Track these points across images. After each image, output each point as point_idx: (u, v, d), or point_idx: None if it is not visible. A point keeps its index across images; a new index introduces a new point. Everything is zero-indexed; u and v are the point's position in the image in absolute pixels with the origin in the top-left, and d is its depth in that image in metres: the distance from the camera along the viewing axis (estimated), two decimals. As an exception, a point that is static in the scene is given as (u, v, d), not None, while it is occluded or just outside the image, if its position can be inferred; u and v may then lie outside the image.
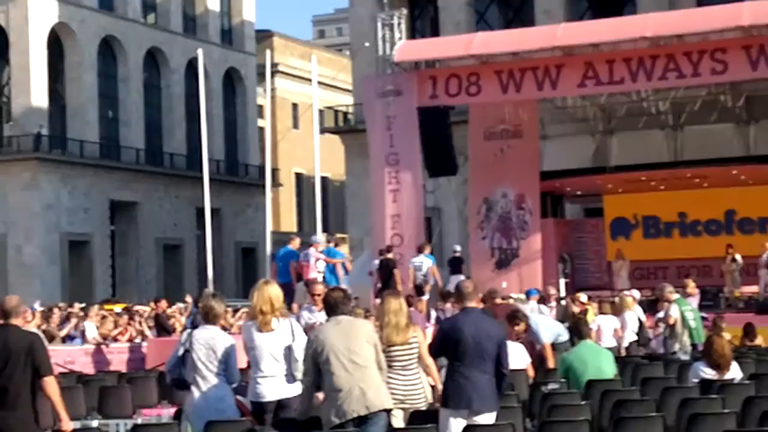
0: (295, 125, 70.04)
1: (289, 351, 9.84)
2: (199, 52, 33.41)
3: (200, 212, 43.72)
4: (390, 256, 25.86)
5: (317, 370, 9.09)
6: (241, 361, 10.00)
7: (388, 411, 9.19)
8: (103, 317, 24.74)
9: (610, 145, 33.52)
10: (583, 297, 22.05)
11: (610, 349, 15.39)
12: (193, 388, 9.68)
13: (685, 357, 16.68)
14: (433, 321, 22.08)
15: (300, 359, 9.64)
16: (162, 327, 22.93)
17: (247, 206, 63.67)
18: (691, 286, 21.90)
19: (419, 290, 25.18)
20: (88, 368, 21.14)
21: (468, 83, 28.30)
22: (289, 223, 68.40)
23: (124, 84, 57.94)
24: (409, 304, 14.89)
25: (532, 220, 30.49)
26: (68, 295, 47.41)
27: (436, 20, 45.24)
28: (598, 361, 12.48)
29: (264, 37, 67.64)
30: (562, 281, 30.12)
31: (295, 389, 9.75)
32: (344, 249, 25.74)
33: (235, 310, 26.95)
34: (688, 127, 32.18)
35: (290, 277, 22.90)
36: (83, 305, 28.00)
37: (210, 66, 57.81)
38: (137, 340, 23.51)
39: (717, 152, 30.75)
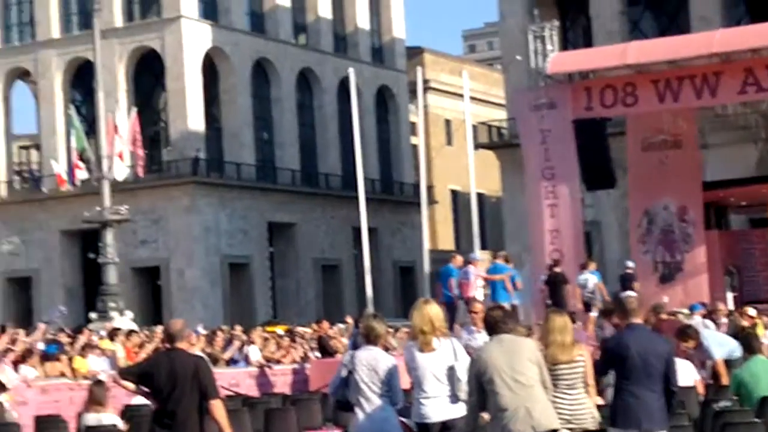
0: (449, 142, 69.96)
1: (451, 371, 9.78)
2: (351, 71, 33.71)
3: (356, 232, 44.08)
4: (558, 270, 25.57)
5: (481, 390, 8.98)
6: (404, 381, 9.94)
7: (555, 431, 9.03)
8: (266, 339, 24.93)
9: (774, 154, 32.72)
10: (751, 311, 21.41)
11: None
12: (357, 410, 9.70)
13: None
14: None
15: (463, 379, 9.57)
16: (324, 349, 23.08)
17: (403, 225, 63.75)
18: None
19: (587, 307, 24.85)
20: (253, 391, 21.29)
21: (624, 93, 27.83)
22: (447, 240, 68.06)
23: (277, 106, 58.79)
24: (573, 321, 14.62)
25: (695, 232, 29.74)
26: (230, 317, 48.14)
27: (589, 30, 44.79)
28: (771, 377, 12.06)
29: (414, 53, 67.88)
30: (730, 295, 29.28)
31: (460, 410, 9.68)
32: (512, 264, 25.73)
33: (395, 330, 26.96)
34: None
35: (451, 296, 22.87)
36: (245, 328, 28.32)
37: (362, 85, 58.25)
38: (300, 362, 23.66)
39: None
